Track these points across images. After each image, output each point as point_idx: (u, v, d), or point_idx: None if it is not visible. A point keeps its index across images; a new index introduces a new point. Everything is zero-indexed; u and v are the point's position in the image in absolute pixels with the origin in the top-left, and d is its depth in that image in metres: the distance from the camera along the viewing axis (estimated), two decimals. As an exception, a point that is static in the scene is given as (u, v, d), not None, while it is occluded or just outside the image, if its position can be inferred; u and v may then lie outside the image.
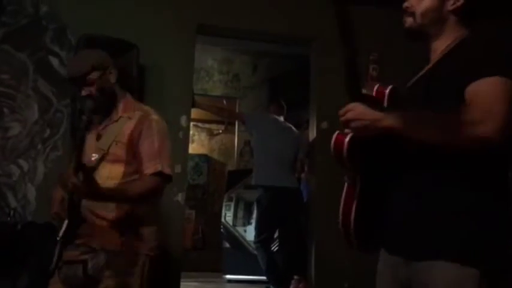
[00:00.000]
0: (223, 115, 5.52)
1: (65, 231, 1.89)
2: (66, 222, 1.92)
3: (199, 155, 7.53)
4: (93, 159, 1.96)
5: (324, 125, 3.93)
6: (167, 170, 1.97)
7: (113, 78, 2.03)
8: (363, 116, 1.38)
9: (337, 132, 1.46)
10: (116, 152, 1.97)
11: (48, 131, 3.41)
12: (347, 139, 1.42)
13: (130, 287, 1.90)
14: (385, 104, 1.53)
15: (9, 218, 3.09)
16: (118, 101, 2.05)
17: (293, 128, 4.56)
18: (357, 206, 1.43)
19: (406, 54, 3.84)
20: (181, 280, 3.79)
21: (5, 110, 3.39)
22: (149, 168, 1.95)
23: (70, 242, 1.90)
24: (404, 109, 1.44)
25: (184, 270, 5.38)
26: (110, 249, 1.92)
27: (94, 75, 1.98)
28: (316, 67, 4.06)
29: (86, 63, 2.00)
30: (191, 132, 7.81)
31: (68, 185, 1.78)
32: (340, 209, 1.47)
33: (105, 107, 2.03)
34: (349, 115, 1.40)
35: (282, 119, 4.55)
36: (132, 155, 1.98)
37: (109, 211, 1.92)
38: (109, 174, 1.95)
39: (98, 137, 2.03)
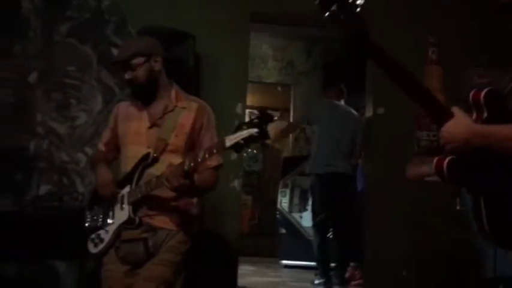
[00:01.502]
0: (293, 130, 5.34)
1: (128, 221, 2.03)
2: (128, 208, 2.03)
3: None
4: (153, 149, 2.03)
5: (381, 110, 3.88)
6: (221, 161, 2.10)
7: (157, 66, 2.05)
8: (454, 139, 1.37)
9: (436, 158, 1.44)
10: (176, 143, 2.03)
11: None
12: (445, 162, 1.41)
13: (176, 266, 2.01)
14: (485, 113, 1.42)
15: (77, 203, 3.28)
16: (165, 90, 2.07)
17: (353, 111, 4.47)
18: (487, 213, 1.40)
19: (464, 34, 3.75)
20: (239, 265, 3.87)
21: (72, 100, 3.57)
22: (213, 160, 2.00)
23: (132, 223, 2.03)
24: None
25: (241, 255, 5.50)
26: (168, 227, 2.02)
27: (136, 60, 2.02)
28: (372, 52, 3.99)
29: (129, 49, 2.07)
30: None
31: (173, 183, 1.86)
32: (471, 216, 1.45)
33: (146, 94, 2.06)
34: (442, 141, 1.40)
35: (342, 103, 4.47)
36: (190, 146, 2.05)
37: (169, 193, 1.99)
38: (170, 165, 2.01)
39: (152, 125, 2.06)
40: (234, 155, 3.66)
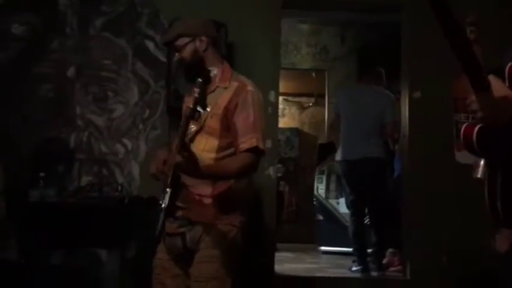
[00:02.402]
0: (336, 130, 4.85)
1: (168, 200, 1.92)
2: (169, 191, 1.93)
3: (291, 129, 7.59)
4: (192, 130, 1.98)
5: (417, 94, 3.80)
6: (261, 145, 1.95)
7: (202, 47, 2.02)
8: (487, 108, 1.33)
9: (465, 125, 1.43)
10: (211, 125, 1.97)
11: (147, 112, 3.63)
12: (475, 130, 1.39)
13: (222, 258, 1.94)
14: None
15: (117, 193, 3.36)
16: (212, 71, 2.03)
17: (382, 92, 4.36)
18: (502, 190, 1.38)
19: (504, 13, 3.61)
20: (276, 252, 3.90)
21: (109, 93, 3.65)
22: (245, 143, 1.93)
23: (173, 212, 1.95)
24: None
25: (279, 242, 5.54)
26: (205, 222, 1.97)
27: (180, 41, 2.02)
28: (407, 34, 3.91)
29: (174, 30, 2.09)
30: (281, 106, 7.88)
31: (170, 163, 1.82)
32: (486, 193, 1.43)
33: (194, 74, 2.00)
34: (473, 106, 1.36)
35: (378, 87, 4.37)
36: (226, 128, 1.96)
37: (205, 187, 1.96)
38: (204, 147, 1.97)
39: (189, 108, 2.00)
40: (268, 143, 3.68)
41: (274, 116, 3.75)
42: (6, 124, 3.48)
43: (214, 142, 1.96)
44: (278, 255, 3.98)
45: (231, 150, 1.98)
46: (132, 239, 3.17)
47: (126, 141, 3.57)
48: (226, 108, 1.97)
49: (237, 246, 2.00)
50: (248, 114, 1.96)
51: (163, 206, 1.89)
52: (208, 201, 1.98)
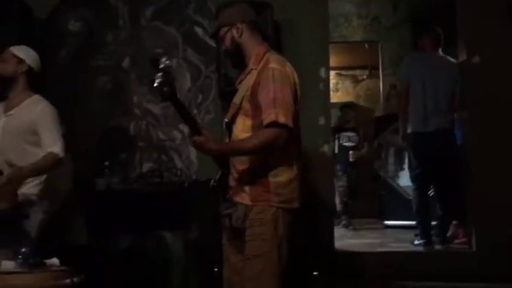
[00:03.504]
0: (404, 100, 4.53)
1: (218, 180, 2.08)
2: (219, 173, 2.10)
3: (345, 103, 7.50)
4: (230, 113, 2.10)
5: (476, 59, 3.65)
6: (282, 119, 1.93)
7: (237, 34, 2.11)
8: None
9: None
10: (245, 106, 2.06)
11: (200, 97, 3.71)
12: None
13: (264, 236, 2.01)
14: None
15: (177, 178, 3.48)
16: (251, 54, 2.11)
17: (450, 60, 4.19)
18: None
19: None
20: (337, 227, 3.91)
21: (163, 81, 3.75)
22: (266, 118, 1.96)
23: (224, 193, 2.08)
24: None
25: (339, 217, 5.53)
26: (244, 202, 2.05)
27: (222, 32, 2.14)
28: (463, -1, 3.74)
29: (216, 22, 2.20)
30: (335, 81, 7.80)
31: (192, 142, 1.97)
32: None
33: (237, 61, 2.15)
34: None
35: (438, 52, 4.19)
36: (256, 108, 2.01)
37: (243, 163, 2.04)
38: (242, 128, 2.05)
39: (235, 92, 2.15)
40: (322, 120, 3.67)
41: (326, 92, 3.72)
42: (70, 116, 3.67)
43: (248, 122, 2.03)
44: (338, 231, 3.99)
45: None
46: (193, 220, 3.28)
47: (182, 126, 3.67)
48: (252, 88, 2.04)
49: (278, 224, 2.03)
50: (268, 90, 1.98)
51: (212, 184, 2.06)
52: (245, 181, 2.05)
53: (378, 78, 6.90)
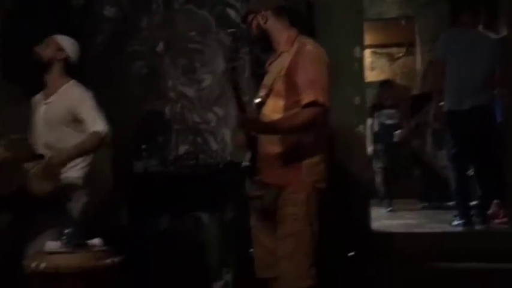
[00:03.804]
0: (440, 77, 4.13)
1: (250, 161, 2.11)
2: (249, 154, 2.12)
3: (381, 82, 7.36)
4: (261, 94, 2.17)
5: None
6: (321, 99, 2.01)
7: (262, 20, 2.20)
8: None
9: None
10: (277, 87, 2.12)
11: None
12: None
13: (296, 215, 2.07)
14: None
15: (212, 160, 3.53)
16: (279, 38, 2.19)
17: (490, 36, 4.04)
18: None
19: None
20: (374, 207, 3.88)
21: (197, 63, 3.78)
22: (304, 99, 2.03)
23: (253, 175, 2.11)
24: None
25: (376, 198, 5.50)
26: (278, 182, 2.09)
27: (249, 19, 2.23)
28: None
29: (245, 10, 2.31)
30: (370, 59, 7.66)
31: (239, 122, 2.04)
32: None
33: (265, 46, 2.23)
34: None
35: (479, 28, 4.05)
36: (290, 88, 2.08)
37: (274, 145, 2.09)
38: (273, 108, 2.11)
39: (265, 74, 2.23)
40: (357, 100, 3.62)
41: (361, 72, 3.66)
42: (108, 101, 3.75)
43: (280, 103, 2.08)
44: (374, 212, 3.96)
45: (298, 108, 2.07)
46: (229, 202, 3.33)
47: (216, 109, 3.70)
48: (288, 69, 2.09)
49: (310, 204, 2.09)
50: (307, 71, 2.04)
51: (243, 165, 2.10)
52: (277, 162, 2.09)
53: (415, 55, 6.74)
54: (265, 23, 2.20)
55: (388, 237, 3.75)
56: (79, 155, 2.57)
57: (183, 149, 3.73)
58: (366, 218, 3.61)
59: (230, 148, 3.71)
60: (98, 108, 2.63)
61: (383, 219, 4.73)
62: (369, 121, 5.39)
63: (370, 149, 5.36)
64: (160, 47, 3.80)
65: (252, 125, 2.06)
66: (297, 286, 2.08)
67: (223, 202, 3.32)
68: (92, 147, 2.59)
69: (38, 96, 2.78)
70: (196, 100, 3.76)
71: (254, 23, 2.22)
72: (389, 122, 5.63)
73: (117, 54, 3.82)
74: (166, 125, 3.77)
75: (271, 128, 2.08)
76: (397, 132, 5.54)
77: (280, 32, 2.19)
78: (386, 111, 5.67)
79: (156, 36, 3.81)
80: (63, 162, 2.52)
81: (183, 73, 3.75)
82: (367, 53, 7.10)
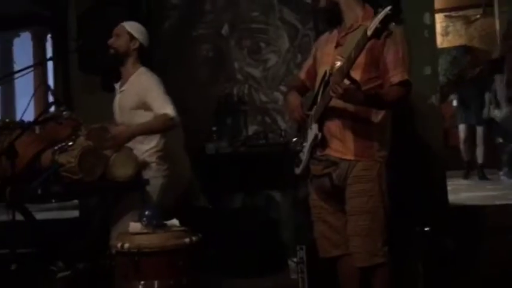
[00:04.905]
0: None
1: (314, 138, 2.11)
2: (315, 126, 2.11)
3: (457, 47, 7.00)
4: (337, 65, 2.08)
5: None
6: (410, 78, 2.06)
7: None
8: None
9: None
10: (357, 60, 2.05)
11: (299, 56, 3.69)
12: None
13: (370, 192, 2.06)
14: None
15: (281, 138, 3.54)
16: (350, 10, 2.15)
17: None
18: None
19: None
20: (450, 179, 3.74)
21: (261, 44, 3.79)
22: (396, 76, 2.04)
23: (315, 151, 2.12)
24: None
25: (455, 169, 5.29)
26: (347, 158, 2.07)
27: None
28: None
29: None
30: (444, 24, 7.28)
31: (337, 90, 1.93)
32: None
33: (332, 19, 2.21)
34: None
35: None
36: (372, 62, 2.06)
37: (345, 120, 2.07)
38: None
39: (337, 45, 2.17)
40: (427, 70, 3.47)
41: (432, 39, 3.50)
42: (179, 85, 3.86)
43: (357, 76, 2.02)
44: (452, 184, 3.82)
45: (376, 83, 2.07)
46: (299, 180, 3.33)
47: (283, 88, 3.69)
48: (372, 43, 2.00)
49: (382, 179, 2.09)
50: (397, 49, 2.06)
51: (305, 144, 2.11)
52: (348, 137, 2.07)
53: (493, 16, 6.31)
54: None
55: (467, 210, 3.61)
56: (143, 132, 2.64)
57: (252, 129, 3.77)
58: (443, 190, 3.49)
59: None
60: (165, 93, 2.69)
61: (462, 191, 4.55)
62: None
63: None
64: (225, 29, 3.84)
65: (354, 95, 1.97)
66: (370, 263, 2.08)
67: (294, 180, 3.34)
68: (158, 128, 2.65)
69: (116, 86, 2.90)
70: (263, 80, 3.78)
71: None
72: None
73: (184, 39, 3.91)
74: (235, 106, 3.82)
75: (371, 100, 2.03)
76: (496, 111, 5.34)
77: (353, 5, 2.17)
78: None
79: (221, 19, 3.85)
80: (126, 137, 2.58)
81: (249, 54, 3.77)
82: (441, 17, 6.74)
